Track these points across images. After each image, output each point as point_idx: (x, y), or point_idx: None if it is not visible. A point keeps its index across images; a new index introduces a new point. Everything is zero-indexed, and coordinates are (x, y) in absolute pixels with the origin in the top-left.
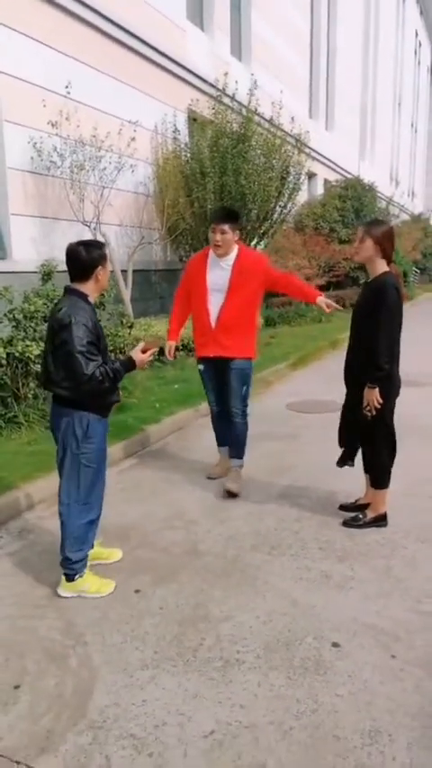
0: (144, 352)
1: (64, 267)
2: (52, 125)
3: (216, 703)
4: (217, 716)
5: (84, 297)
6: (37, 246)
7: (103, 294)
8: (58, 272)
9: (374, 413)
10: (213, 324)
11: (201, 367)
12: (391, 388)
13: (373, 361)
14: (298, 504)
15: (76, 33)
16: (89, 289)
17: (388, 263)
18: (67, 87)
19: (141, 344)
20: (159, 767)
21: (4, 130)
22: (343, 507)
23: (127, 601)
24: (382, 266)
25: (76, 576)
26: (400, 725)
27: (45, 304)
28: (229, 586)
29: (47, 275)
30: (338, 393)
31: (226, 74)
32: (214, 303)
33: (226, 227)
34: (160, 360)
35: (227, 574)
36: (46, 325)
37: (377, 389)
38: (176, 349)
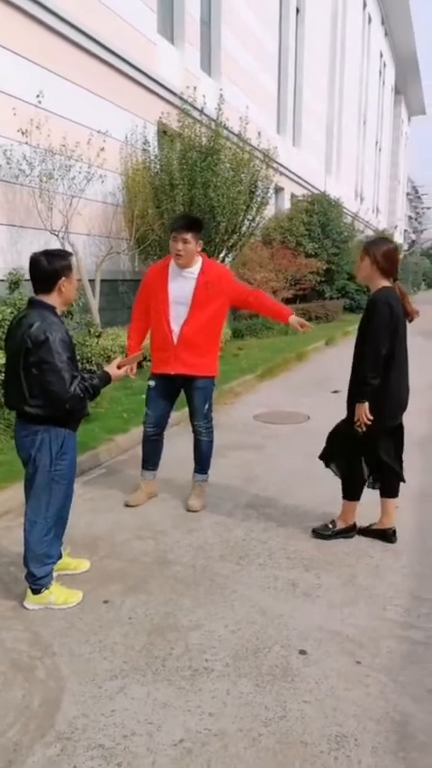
0: (119, 367)
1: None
2: (22, 133)
3: (185, 712)
4: (186, 724)
5: (51, 309)
6: (4, 255)
7: (71, 304)
8: (26, 280)
9: (364, 429)
10: (176, 339)
11: (151, 383)
12: (384, 404)
13: (360, 376)
14: (265, 513)
15: (49, 44)
16: (54, 301)
17: (393, 281)
18: (38, 96)
19: (118, 359)
20: None
21: None
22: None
23: (95, 611)
24: (381, 283)
25: (43, 590)
26: (366, 730)
27: (12, 313)
28: (197, 596)
29: (14, 284)
30: (306, 405)
31: (195, 88)
32: (176, 316)
33: (188, 236)
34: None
35: (196, 583)
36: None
37: (366, 405)
38: (141, 359)
